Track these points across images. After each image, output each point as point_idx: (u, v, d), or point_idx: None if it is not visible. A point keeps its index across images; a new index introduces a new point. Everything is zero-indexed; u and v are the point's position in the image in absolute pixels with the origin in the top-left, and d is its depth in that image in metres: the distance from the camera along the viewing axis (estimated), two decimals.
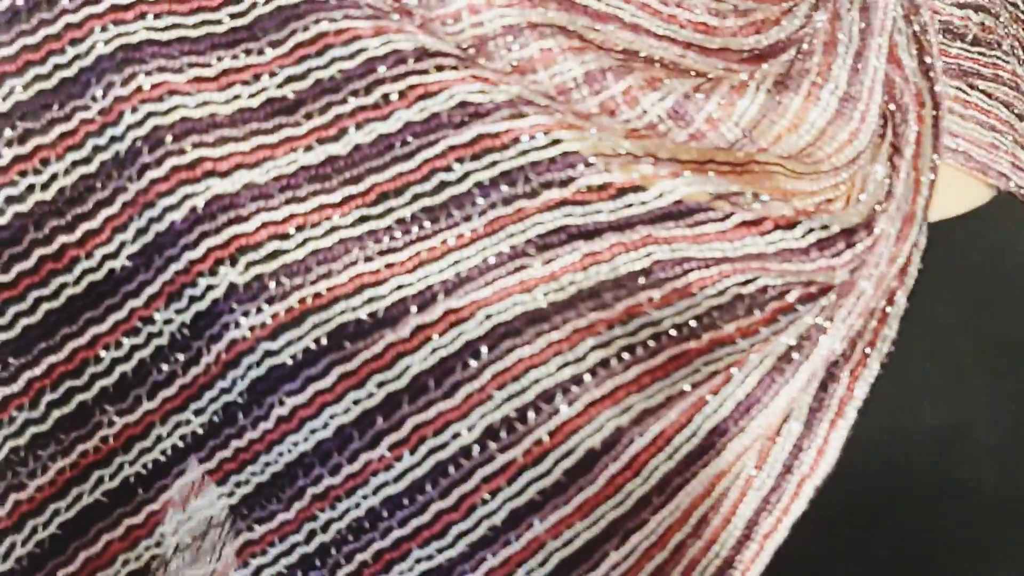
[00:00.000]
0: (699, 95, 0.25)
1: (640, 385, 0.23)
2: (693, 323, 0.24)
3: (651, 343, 0.23)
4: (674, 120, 0.25)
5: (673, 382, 0.23)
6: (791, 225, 0.25)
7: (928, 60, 0.30)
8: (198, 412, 0.25)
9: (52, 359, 0.25)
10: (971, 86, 0.33)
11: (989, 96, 0.33)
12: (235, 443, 0.24)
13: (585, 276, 0.23)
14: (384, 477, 0.23)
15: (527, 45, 0.25)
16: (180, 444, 0.25)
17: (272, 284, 0.23)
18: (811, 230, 0.25)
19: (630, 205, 0.24)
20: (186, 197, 0.24)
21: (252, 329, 0.24)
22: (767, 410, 0.23)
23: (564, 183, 0.23)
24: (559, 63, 0.25)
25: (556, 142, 0.23)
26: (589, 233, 0.23)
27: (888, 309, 0.25)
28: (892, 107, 0.28)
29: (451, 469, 0.22)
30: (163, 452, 0.25)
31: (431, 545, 0.22)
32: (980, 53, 0.34)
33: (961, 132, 0.32)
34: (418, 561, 0.22)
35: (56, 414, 0.25)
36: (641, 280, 0.23)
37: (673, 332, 0.23)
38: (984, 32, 0.34)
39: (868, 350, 0.25)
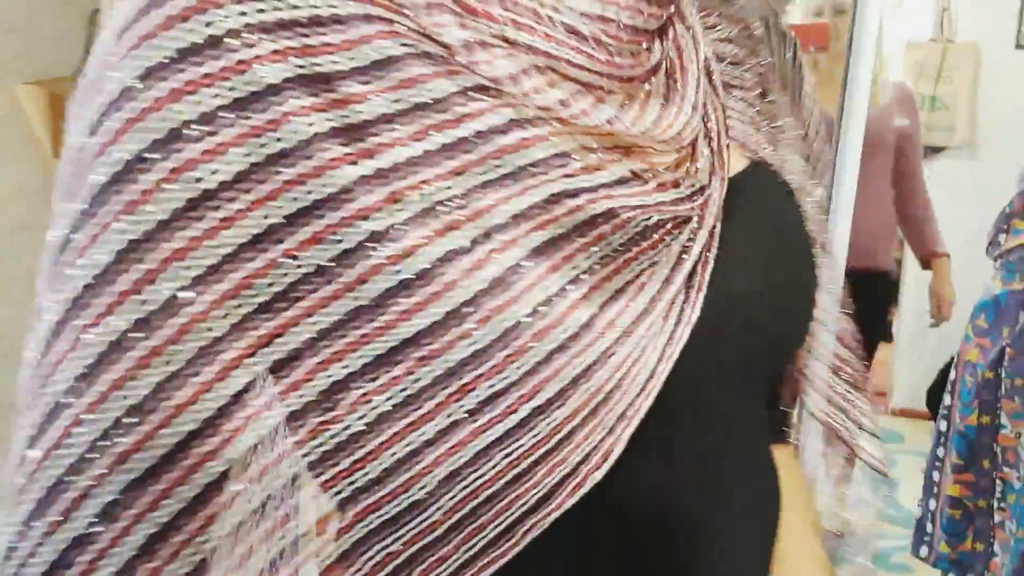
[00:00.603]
0: (624, 107, 0.41)
1: (600, 287, 0.39)
2: (628, 243, 0.40)
3: (606, 259, 0.39)
4: (611, 123, 0.40)
5: (618, 282, 0.39)
6: (677, 185, 0.41)
7: (714, 80, 0.47)
8: (330, 313, 0.37)
9: (224, 287, 0.36)
10: (732, 95, 0.51)
11: (746, 102, 0.51)
12: (355, 330, 0.36)
13: (572, 219, 0.38)
14: (460, 353, 0.36)
15: (525, 82, 0.38)
16: (315, 335, 0.37)
17: (397, 232, 0.36)
18: (685, 187, 0.42)
19: (596, 178, 0.39)
20: (334, 179, 0.36)
21: (388, 258, 0.36)
22: (672, 286, 0.40)
23: (561, 166, 0.38)
24: (547, 92, 0.39)
25: (555, 144, 0.38)
26: (574, 193, 0.38)
27: (715, 230, 0.43)
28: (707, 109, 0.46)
29: (491, 347, 0.37)
30: (311, 332, 0.37)
31: (485, 383, 0.37)
32: (735, 71, 0.52)
33: (736, 125, 0.49)
34: (481, 392, 0.37)
35: (241, 311, 0.36)
36: (601, 219, 0.39)
37: (620, 248, 0.39)
38: (736, 58, 0.52)
39: (708, 254, 0.42)
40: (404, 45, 0.37)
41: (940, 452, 2.16)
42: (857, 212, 2.30)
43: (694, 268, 0.42)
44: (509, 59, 0.38)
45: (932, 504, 2.18)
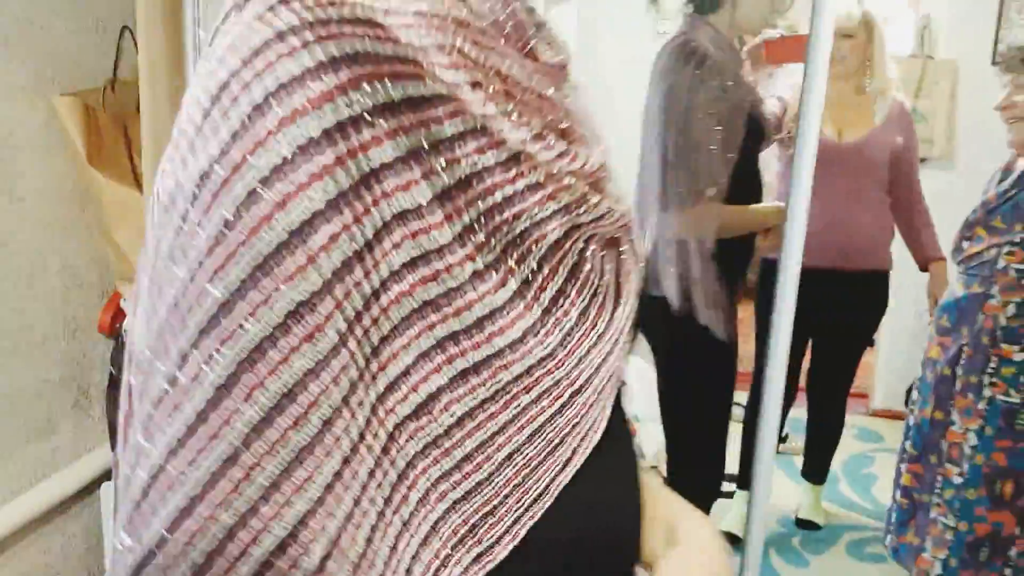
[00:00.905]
0: (591, 153, 0.51)
1: (608, 295, 0.52)
2: (603, 258, 0.53)
3: (604, 274, 0.52)
4: (583, 167, 0.49)
5: (614, 290, 0.53)
6: (628, 213, 0.54)
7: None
8: (432, 337, 0.45)
9: (363, 325, 0.43)
10: None
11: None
12: (453, 348, 0.45)
13: (577, 246, 0.50)
14: (531, 360, 0.46)
15: (532, 145, 0.46)
16: (418, 356, 0.45)
17: (488, 273, 0.45)
18: (630, 215, 0.55)
19: (591, 213, 0.50)
20: (435, 238, 0.43)
21: (481, 294, 0.45)
22: (638, 271, 0.55)
23: (579, 206, 0.49)
24: (551, 148, 0.47)
25: (575, 189, 0.48)
26: (579, 227, 0.50)
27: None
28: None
29: (556, 349, 0.48)
30: (413, 354, 0.45)
31: (547, 377, 0.47)
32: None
33: None
34: (543, 385, 0.47)
35: (371, 346, 0.43)
36: (586, 244, 0.51)
37: (605, 264, 0.53)
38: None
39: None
40: (466, 121, 0.44)
41: (906, 445, 2.24)
42: (855, 218, 2.44)
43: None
44: (522, 127, 0.46)
45: (897, 494, 2.27)
